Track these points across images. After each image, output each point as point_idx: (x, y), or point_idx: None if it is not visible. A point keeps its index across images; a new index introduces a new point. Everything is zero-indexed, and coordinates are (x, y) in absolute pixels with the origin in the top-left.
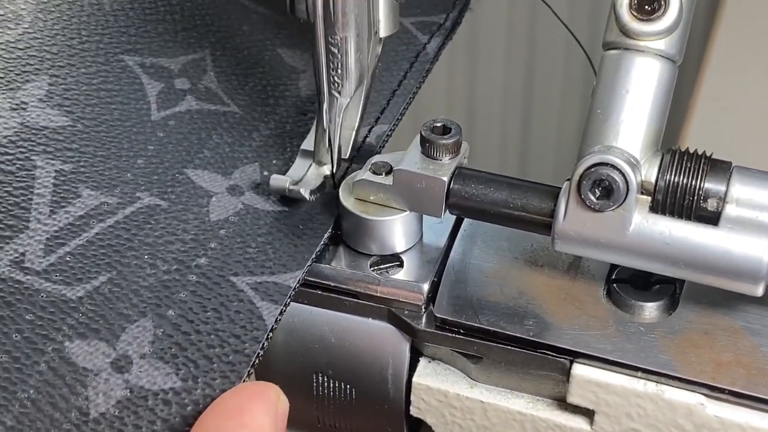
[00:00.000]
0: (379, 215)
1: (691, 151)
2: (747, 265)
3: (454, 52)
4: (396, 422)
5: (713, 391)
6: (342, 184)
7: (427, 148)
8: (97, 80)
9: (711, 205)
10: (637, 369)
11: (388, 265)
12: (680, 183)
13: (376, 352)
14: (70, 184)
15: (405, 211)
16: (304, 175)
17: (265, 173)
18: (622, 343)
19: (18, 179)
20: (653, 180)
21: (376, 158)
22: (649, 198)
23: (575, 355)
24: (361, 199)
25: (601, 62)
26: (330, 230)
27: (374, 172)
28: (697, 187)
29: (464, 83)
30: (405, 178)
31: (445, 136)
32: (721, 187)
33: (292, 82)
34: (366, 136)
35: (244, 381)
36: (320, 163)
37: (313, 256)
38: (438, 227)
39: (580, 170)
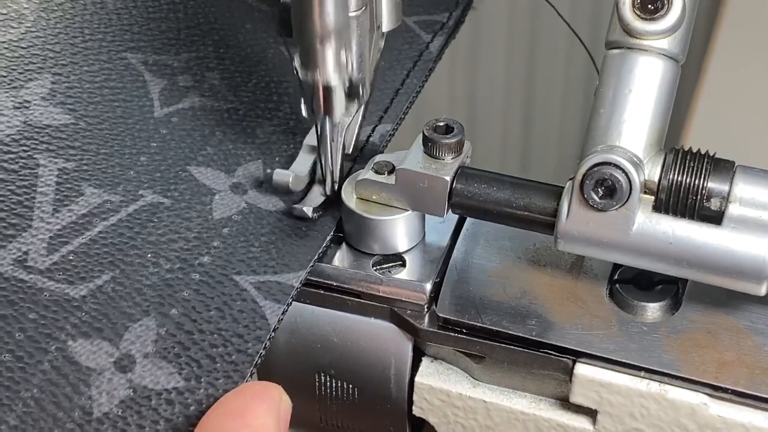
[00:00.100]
0: (381, 215)
1: (694, 151)
2: (750, 264)
3: (456, 51)
4: (398, 422)
5: (716, 390)
6: (344, 183)
7: (430, 147)
8: (100, 78)
9: (714, 204)
10: (640, 369)
11: (390, 264)
12: (683, 182)
13: (379, 352)
14: (73, 183)
15: (407, 210)
16: (307, 194)
17: (269, 171)
18: (625, 343)
19: (21, 178)
20: (656, 179)
21: (378, 158)
22: (653, 197)
23: (578, 355)
24: (363, 199)
25: (604, 61)
26: (332, 232)
27: (377, 172)
28: (701, 186)
29: (465, 82)
30: (407, 177)
31: (448, 136)
32: (725, 187)
33: (295, 79)
34: (369, 135)
35: (246, 381)
36: (321, 182)
37: (316, 256)
38: (440, 227)
39: (583, 169)
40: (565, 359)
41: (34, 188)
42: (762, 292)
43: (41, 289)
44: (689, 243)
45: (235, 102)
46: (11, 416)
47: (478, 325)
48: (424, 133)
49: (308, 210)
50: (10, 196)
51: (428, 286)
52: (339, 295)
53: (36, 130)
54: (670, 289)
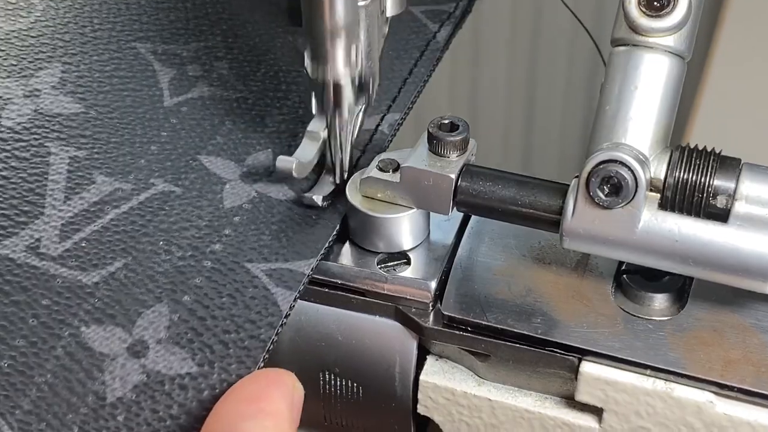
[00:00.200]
0: (386, 213)
1: (700, 148)
2: (756, 262)
3: (458, 46)
4: (403, 420)
5: (722, 388)
6: (349, 181)
7: (435, 145)
8: (110, 67)
9: (720, 202)
10: (645, 367)
11: (395, 262)
12: (689, 180)
13: (384, 350)
14: (85, 171)
15: (412, 208)
16: (316, 183)
17: None
18: (630, 341)
19: (32, 165)
20: (662, 177)
21: (383, 155)
22: (659, 195)
23: (583, 353)
24: (368, 197)
25: (610, 58)
26: (341, 221)
27: (381, 170)
28: (707, 184)
29: (467, 78)
30: (412, 175)
31: (453, 133)
32: (731, 184)
33: (304, 67)
34: (378, 125)
35: (259, 367)
36: (330, 171)
37: (327, 244)
38: (445, 225)
39: (588, 167)
40: (570, 357)
41: (45, 176)
42: None
43: (54, 275)
44: (695, 241)
45: (244, 91)
46: (25, 401)
47: (483, 323)
48: (429, 131)
49: (318, 198)
50: (21, 184)
51: (433, 284)
52: (344, 294)
53: (47, 118)
54: (677, 281)
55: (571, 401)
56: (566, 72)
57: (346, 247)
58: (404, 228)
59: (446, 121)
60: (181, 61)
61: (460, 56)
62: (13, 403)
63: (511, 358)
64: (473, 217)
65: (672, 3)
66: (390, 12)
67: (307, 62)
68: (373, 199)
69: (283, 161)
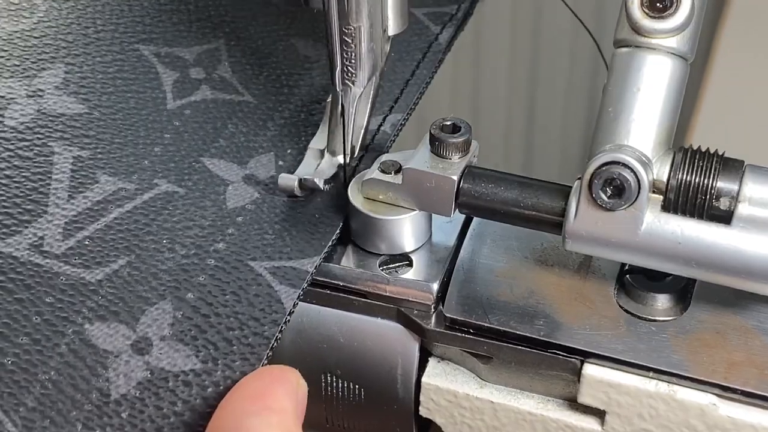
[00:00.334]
0: (388, 214)
1: (703, 150)
2: (759, 264)
3: (460, 48)
4: (405, 422)
5: (725, 391)
6: (351, 183)
7: (437, 146)
8: (113, 69)
9: (723, 204)
10: (648, 369)
11: (397, 264)
12: (692, 182)
13: (386, 352)
14: (88, 170)
15: (414, 210)
16: (318, 165)
17: (280, 163)
18: (633, 343)
19: (36, 164)
20: (665, 179)
21: (384, 157)
22: (661, 197)
23: (586, 355)
24: (370, 199)
25: (612, 60)
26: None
27: (383, 171)
28: (710, 185)
29: (469, 79)
30: (414, 177)
31: (455, 135)
32: (734, 186)
33: (305, 71)
34: (380, 125)
35: (263, 364)
36: (333, 153)
37: (330, 243)
38: (447, 226)
39: (591, 169)
40: (573, 360)
41: (49, 175)
42: None
43: (57, 273)
44: (698, 243)
45: (246, 95)
46: (29, 398)
47: (486, 325)
48: (431, 133)
49: (319, 181)
50: (25, 183)
51: (435, 286)
52: (345, 295)
53: (50, 118)
54: (680, 281)
55: (573, 403)
56: (567, 73)
57: (348, 249)
58: (406, 230)
59: (448, 123)
60: (184, 63)
61: (462, 58)
62: (17, 400)
63: (513, 360)
64: (475, 219)
65: (675, 4)
66: (392, 31)
67: (335, 26)
68: (374, 200)
69: (285, 179)
